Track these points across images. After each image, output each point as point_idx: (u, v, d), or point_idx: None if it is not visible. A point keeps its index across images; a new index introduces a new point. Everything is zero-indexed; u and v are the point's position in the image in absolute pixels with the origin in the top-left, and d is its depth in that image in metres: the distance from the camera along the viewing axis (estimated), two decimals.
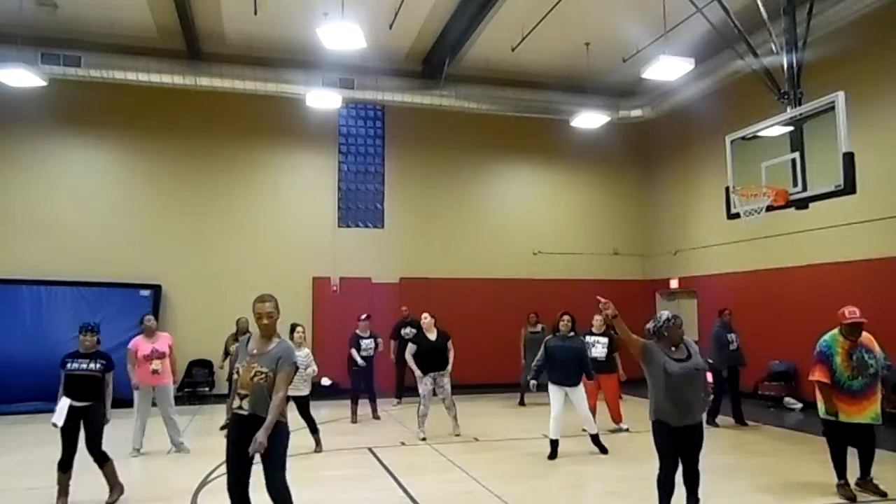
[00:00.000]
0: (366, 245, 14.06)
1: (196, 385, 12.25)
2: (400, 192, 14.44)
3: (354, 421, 10.03)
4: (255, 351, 4.31)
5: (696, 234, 14.02)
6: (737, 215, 7.60)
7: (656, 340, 4.86)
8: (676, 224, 14.70)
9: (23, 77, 9.77)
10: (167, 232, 12.95)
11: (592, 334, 8.97)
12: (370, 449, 8.09)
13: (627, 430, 8.90)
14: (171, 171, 13.15)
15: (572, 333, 7.76)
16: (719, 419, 9.44)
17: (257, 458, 4.18)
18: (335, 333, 12.23)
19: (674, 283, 14.63)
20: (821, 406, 5.85)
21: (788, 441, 8.48)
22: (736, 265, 12.69)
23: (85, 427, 5.73)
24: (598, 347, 8.90)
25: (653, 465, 4.90)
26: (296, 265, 13.46)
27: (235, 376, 4.30)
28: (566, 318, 7.77)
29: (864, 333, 5.78)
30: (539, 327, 11.68)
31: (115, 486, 5.87)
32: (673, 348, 4.80)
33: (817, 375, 5.77)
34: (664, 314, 4.91)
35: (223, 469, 7.09)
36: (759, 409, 10.34)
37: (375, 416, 10.28)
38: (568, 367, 7.49)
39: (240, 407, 4.22)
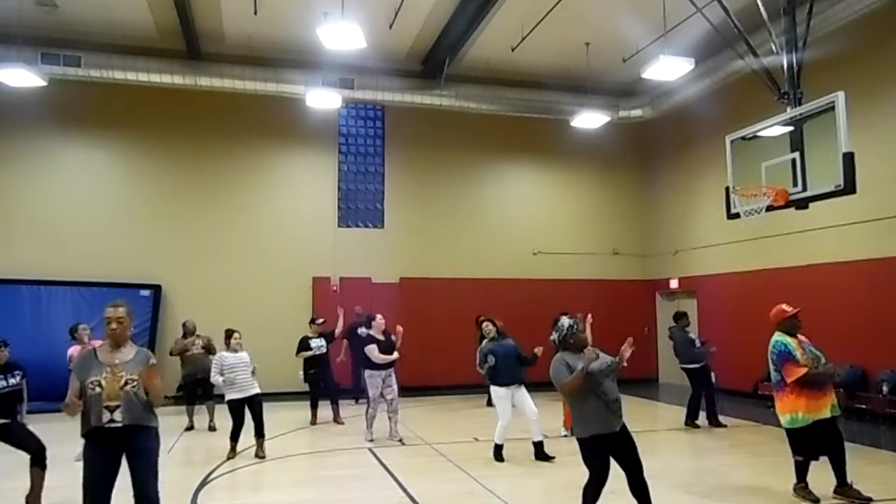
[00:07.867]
0: (366, 245, 14.06)
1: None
2: (400, 192, 14.44)
3: (314, 423, 9.78)
4: (116, 361, 4.09)
5: (696, 234, 14.02)
6: (737, 215, 7.59)
7: (562, 350, 4.73)
8: (676, 224, 14.70)
9: (23, 77, 9.78)
10: (167, 232, 12.96)
11: None
12: (370, 449, 8.11)
13: None
14: (171, 171, 13.16)
15: (499, 335, 7.81)
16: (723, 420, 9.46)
17: (124, 467, 4.02)
18: None
19: (674, 283, 14.63)
20: (785, 417, 5.68)
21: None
22: (736, 265, 12.68)
23: (8, 441, 5.60)
24: None
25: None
26: (296, 265, 13.48)
27: (98, 390, 3.96)
28: (486, 323, 7.97)
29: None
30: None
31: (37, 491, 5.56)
32: (582, 354, 4.67)
33: (795, 372, 5.47)
34: (565, 322, 4.75)
35: (223, 469, 7.15)
36: (759, 409, 10.33)
37: (337, 421, 9.81)
38: (510, 365, 7.52)
39: (111, 420, 3.96)
